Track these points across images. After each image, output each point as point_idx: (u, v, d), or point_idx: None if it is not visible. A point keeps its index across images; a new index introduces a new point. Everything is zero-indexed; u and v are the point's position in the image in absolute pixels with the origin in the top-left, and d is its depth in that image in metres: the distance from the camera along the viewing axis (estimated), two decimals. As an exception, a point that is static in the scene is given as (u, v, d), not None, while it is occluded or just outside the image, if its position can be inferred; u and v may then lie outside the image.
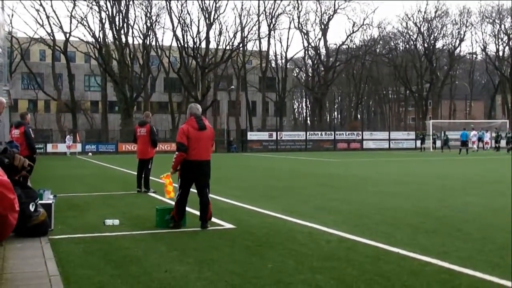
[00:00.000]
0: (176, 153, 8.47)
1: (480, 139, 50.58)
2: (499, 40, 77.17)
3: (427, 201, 11.78)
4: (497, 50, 77.55)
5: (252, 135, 56.06)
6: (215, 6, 64.30)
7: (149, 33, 63.66)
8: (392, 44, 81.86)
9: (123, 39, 61.04)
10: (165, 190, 9.32)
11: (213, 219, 9.02)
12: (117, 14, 61.06)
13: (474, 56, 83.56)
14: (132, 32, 65.09)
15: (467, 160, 31.44)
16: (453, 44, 77.73)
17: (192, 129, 8.44)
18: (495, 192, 13.59)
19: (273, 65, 74.26)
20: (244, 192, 14.13)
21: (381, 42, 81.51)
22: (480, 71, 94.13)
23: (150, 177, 14.16)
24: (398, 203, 11.41)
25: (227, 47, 65.54)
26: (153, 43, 65.02)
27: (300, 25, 72.79)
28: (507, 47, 76.75)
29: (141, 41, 63.45)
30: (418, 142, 53.81)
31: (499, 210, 10.28)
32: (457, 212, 10.04)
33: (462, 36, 77.19)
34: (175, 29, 63.76)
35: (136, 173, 14.43)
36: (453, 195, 13.05)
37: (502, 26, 75.86)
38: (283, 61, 73.95)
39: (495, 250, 6.79)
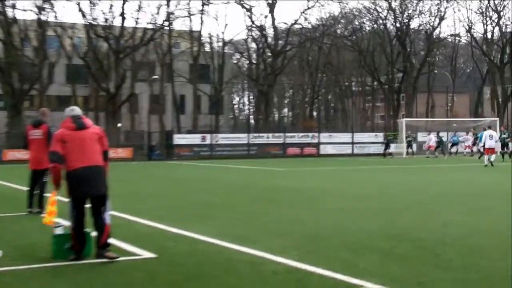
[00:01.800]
0: (50, 165, 8.49)
1: (456, 143, 51.73)
2: (487, 18, 77.24)
3: (399, 221, 11.99)
4: (485, 31, 77.95)
5: (180, 138, 55.74)
6: (132, -27, 63.92)
7: (45, 6, 62.52)
8: (357, 23, 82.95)
9: (10, 13, 59.70)
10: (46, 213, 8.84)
11: (129, 247, 8.95)
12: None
13: (457, 38, 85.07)
14: (23, 5, 63.80)
15: (444, 169, 32.19)
16: (431, 24, 78.65)
17: (68, 131, 8.48)
18: (478, 208, 14.00)
19: (207, 49, 74.13)
20: (168, 211, 14.05)
21: (342, 21, 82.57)
22: (464, 57, 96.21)
23: (46, 194, 13.90)
24: (362, 223, 11.57)
25: (148, 26, 65.06)
26: (51, 19, 63.90)
27: (241, -1, 73.06)
28: (496, 28, 77.48)
29: (35, 17, 62.26)
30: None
31: (484, 231, 10.57)
32: (434, 234, 10.26)
33: (442, 14, 77.89)
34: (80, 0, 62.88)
35: (27, 189, 14.15)
36: (430, 212, 13.34)
37: (491, 1, 75.78)
38: (220, 44, 74.04)
39: (480, 280, 6.98)
